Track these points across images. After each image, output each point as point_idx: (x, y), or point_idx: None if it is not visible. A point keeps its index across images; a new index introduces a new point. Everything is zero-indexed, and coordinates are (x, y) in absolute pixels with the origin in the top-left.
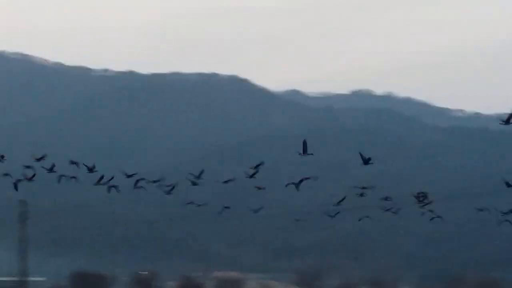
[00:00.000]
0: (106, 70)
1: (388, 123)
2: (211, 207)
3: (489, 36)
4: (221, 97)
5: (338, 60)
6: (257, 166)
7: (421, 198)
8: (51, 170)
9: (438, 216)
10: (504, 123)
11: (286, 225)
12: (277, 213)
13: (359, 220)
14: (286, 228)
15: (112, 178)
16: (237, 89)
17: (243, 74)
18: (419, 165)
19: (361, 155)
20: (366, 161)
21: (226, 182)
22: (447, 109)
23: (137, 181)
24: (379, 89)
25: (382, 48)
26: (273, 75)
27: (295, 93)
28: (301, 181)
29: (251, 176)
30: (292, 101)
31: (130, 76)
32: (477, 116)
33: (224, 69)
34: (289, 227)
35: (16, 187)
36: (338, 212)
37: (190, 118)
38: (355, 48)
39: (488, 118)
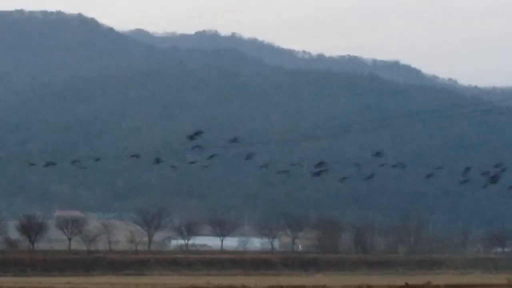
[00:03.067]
0: None
1: (232, 64)
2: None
3: None
4: (66, 35)
5: None
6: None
7: None
8: None
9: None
10: None
11: (127, 166)
12: (122, 154)
13: (210, 158)
14: (129, 168)
15: None
16: (82, 28)
17: (89, 13)
18: (258, 106)
19: None
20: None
21: None
22: (292, 50)
23: None
24: (224, 30)
25: None
26: (119, 14)
27: (141, 32)
28: None
29: None
30: (137, 41)
31: None
32: (321, 57)
33: (70, 8)
34: (132, 167)
35: None
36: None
37: (34, 56)
38: None
39: (332, 60)
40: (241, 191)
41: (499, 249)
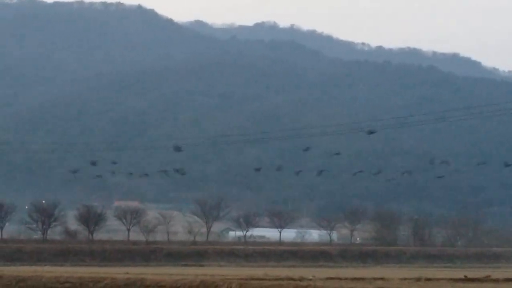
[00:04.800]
0: None
1: (292, 55)
2: (112, 137)
3: None
4: (125, 26)
5: None
6: None
7: None
8: None
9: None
10: None
11: (186, 156)
12: (177, 144)
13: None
14: (187, 158)
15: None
16: (141, 19)
17: (148, 4)
18: (319, 98)
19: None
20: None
21: None
22: (351, 42)
23: None
24: (283, 22)
25: None
26: (178, 5)
27: (200, 23)
28: None
29: None
30: (196, 32)
31: (33, 4)
32: (379, 49)
33: None
34: (190, 158)
35: None
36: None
37: (93, 47)
38: None
39: (391, 52)
40: (299, 182)
41: None
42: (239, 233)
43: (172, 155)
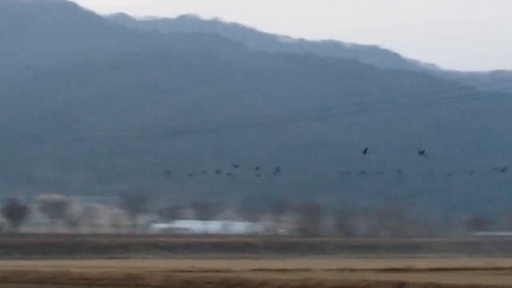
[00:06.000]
0: None
1: (215, 48)
2: (35, 130)
3: None
4: (48, 20)
5: None
6: None
7: None
8: None
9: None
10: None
11: (110, 149)
12: (101, 138)
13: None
14: (111, 151)
15: None
16: (64, 12)
17: None
18: (243, 90)
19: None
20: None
21: None
22: (274, 34)
23: None
24: (206, 14)
25: None
26: None
27: (123, 16)
28: None
29: None
30: (120, 25)
31: None
32: (302, 42)
33: None
34: (114, 151)
35: None
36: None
37: (15, 41)
38: None
39: (314, 44)
40: (223, 174)
41: (481, 233)
42: (164, 225)
43: (97, 147)
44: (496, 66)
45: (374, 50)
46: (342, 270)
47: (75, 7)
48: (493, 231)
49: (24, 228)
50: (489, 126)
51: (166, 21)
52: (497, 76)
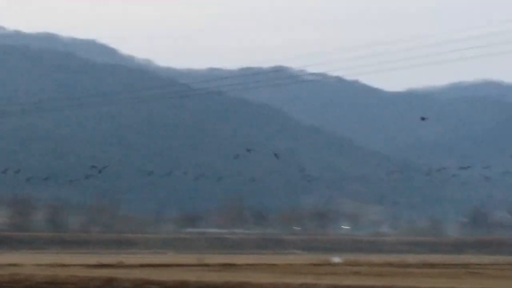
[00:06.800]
0: None
1: None
2: None
3: None
4: None
5: None
6: None
7: None
8: None
9: None
10: None
11: None
12: None
13: None
14: None
15: None
16: None
17: None
18: None
19: None
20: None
21: None
22: None
23: None
24: None
25: None
26: None
27: None
28: None
29: None
30: None
31: None
32: (17, 33)
33: None
34: None
35: None
36: None
37: None
38: None
39: (30, 36)
40: None
41: (191, 229)
42: None
43: None
44: (213, 64)
45: (91, 44)
46: (52, 265)
47: None
48: (203, 227)
49: None
50: (203, 123)
51: None
52: (213, 74)
